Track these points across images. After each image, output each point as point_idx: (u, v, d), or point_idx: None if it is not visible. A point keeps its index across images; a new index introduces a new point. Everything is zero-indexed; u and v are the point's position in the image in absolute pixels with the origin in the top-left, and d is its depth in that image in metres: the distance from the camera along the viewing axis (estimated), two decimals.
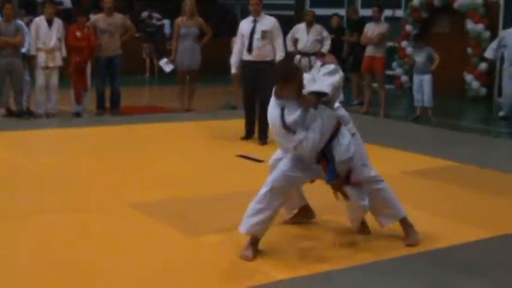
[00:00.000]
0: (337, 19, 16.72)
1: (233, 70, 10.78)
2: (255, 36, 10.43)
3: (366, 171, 5.87)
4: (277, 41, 10.56)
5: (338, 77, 5.55)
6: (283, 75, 5.55)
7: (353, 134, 5.83)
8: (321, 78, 5.52)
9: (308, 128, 5.41)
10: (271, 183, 5.66)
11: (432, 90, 13.91)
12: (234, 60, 10.78)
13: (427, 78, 13.90)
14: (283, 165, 5.68)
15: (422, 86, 13.93)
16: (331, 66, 5.59)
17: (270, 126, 5.68)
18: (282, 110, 5.45)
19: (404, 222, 6.10)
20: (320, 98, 5.42)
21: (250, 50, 10.44)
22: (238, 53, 10.68)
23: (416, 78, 14.16)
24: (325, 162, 5.57)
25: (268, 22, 10.55)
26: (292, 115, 5.39)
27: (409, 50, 18.71)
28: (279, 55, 10.53)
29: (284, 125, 5.42)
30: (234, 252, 5.73)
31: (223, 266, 5.53)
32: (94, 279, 5.14)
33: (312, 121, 5.41)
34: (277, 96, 5.55)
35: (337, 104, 5.85)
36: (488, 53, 14.09)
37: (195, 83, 14.00)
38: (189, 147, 10.27)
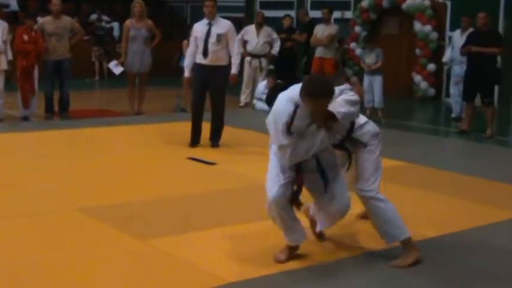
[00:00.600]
0: (289, 20, 16.85)
1: (186, 73, 10.52)
2: (210, 40, 10.18)
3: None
4: (233, 45, 10.41)
5: (355, 109, 5.39)
6: (328, 91, 5.26)
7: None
8: (340, 102, 5.33)
9: (302, 137, 5.34)
10: (268, 203, 5.59)
11: (382, 91, 14.03)
12: (187, 63, 10.54)
13: (377, 79, 13.98)
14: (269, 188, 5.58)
15: (373, 87, 14.03)
16: (355, 97, 5.42)
17: (270, 115, 5.43)
18: (296, 108, 5.29)
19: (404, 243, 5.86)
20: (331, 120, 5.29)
21: (205, 53, 10.19)
22: (191, 56, 10.45)
23: (366, 79, 14.21)
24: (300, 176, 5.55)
25: (223, 25, 10.35)
26: (301, 119, 5.28)
27: (358, 51, 18.90)
28: (235, 58, 10.47)
29: (288, 122, 5.28)
30: (184, 255, 5.73)
31: (173, 270, 5.51)
32: (41, 283, 5.10)
33: (310, 135, 5.34)
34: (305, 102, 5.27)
35: (364, 119, 5.80)
36: (445, 58, 14.51)
37: (145, 85, 13.93)
38: (139, 151, 10.22)
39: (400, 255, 5.78)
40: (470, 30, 13.41)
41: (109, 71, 18.94)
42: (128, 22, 13.63)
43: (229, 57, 10.42)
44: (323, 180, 5.56)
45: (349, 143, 5.72)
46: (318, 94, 5.16)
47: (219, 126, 10.41)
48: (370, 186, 5.70)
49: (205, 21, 10.40)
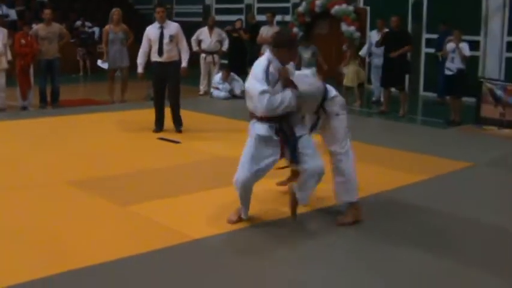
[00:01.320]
0: (240, 22, 16.99)
1: (140, 70, 10.28)
2: (164, 41, 10.09)
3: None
4: (182, 43, 10.29)
5: (310, 90, 5.66)
6: (285, 41, 5.51)
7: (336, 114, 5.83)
8: (302, 80, 5.66)
9: (275, 92, 5.34)
10: (235, 180, 5.59)
11: None
12: (140, 61, 10.30)
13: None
14: (241, 169, 5.55)
15: None
16: (314, 80, 5.98)
17: (250, 74, 5.43)
18: (269, 63, 5.38)
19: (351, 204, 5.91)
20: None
21: (160, 52, 10.08)
22: (144, 55, 10.28)
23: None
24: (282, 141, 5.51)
25: (173, 28, 10.24)
26: (272, 74, 5.34)
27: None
28: (185, 54, 10.35)
29: (264, 70, 5.33)
30: (158, 218, 5.78)
31: (148, 230, 5.56)
32: (35, 244, 5.11)
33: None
34: (274, 54, 5.44)
35: (334, 93, 5.90)
36: (362, 52, 14.72)
37: (126, 78, 13.86)
38: (119, 133, 10.18)
39: (343, 213, 5.89)
40: (385, 30, 13.63)
41: (92, 67, 18.89)
42: (107, 27, 13.60)
43: (179, 54, 10.32)
44: (290, 150, 5.52)
45: (322, 111, 5.80)
46: (278, 44, 5.44)
47: (177, 111, 10.34)
48: (343, 146, 5.79)
49: (157, 25, 10.23)
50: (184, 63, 10.31)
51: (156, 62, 10.18)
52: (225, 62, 16.36)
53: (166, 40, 10.09)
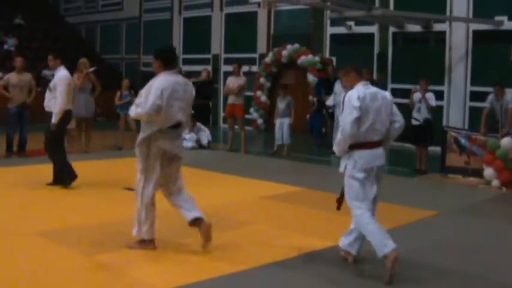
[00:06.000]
0: (206, 72, 16.84)
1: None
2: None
3: None
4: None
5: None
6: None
7: None
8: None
9: None
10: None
11: (290, 131, 14.49)
12: None
13: (287, 121, 14.51)
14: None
15: (283, 127, 14.42)
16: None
17: None
18: None
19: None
20: None
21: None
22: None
23: (278, 121, 14.61)
24: None
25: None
26: None
27: (263, 98, 19.23)
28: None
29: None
30: (123, 268, 5.72)
31: (111, 279, 5.49)
32: None
33: None
34: None
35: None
36: (329, 102, 14.88)
37: (90, 128, 13.85)
38: (86, 183, 10.06)
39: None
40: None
41: None
42: (75, 76, 13.53)
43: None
44: None
45: None
46: None
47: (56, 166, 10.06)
48: None
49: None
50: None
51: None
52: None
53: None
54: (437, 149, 12.40)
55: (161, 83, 6.09)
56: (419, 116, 12.12)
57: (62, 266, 5.83)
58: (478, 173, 11.27)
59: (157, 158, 6.19)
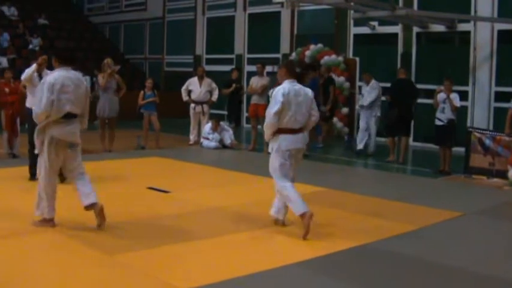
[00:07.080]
0: (236, 72, 16.99)
1: None
2: None
3: None
4: None
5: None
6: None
7: None
8: None
9: None
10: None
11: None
12: None
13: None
14: None
15: None
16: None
17: None
18: None
19: None
20: None
21: None
22: None
23: None
24: None
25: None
26: None
27: None
28: None
29: None
30: (145, 268, 5.72)
31: (135, 280, 5.48)
32: None
33: None
34: None
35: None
36: (365, 102, 14.70)
37: (114, 128, 13.89)
38: (110, 181, 10.10)
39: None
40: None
41: None
42: (99, 77, 13.65)
43: None
44: None
45: None
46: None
47: None
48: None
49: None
50: None
51: None
52: (216, 112, 16.47)
53: None
54: (461, 149, 12.32)
55: (51, 78, 6.84)
56: (443, 116, 12.05)
57: (85, 265, 5.82)
58: (503, 174, 11.18)
59: (50, 145, 6.88)
